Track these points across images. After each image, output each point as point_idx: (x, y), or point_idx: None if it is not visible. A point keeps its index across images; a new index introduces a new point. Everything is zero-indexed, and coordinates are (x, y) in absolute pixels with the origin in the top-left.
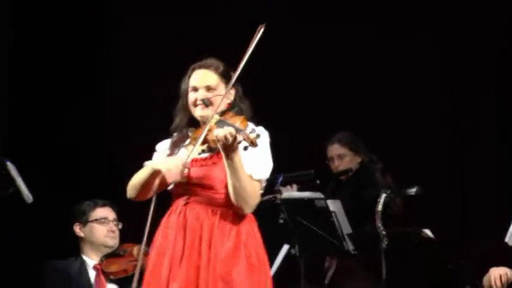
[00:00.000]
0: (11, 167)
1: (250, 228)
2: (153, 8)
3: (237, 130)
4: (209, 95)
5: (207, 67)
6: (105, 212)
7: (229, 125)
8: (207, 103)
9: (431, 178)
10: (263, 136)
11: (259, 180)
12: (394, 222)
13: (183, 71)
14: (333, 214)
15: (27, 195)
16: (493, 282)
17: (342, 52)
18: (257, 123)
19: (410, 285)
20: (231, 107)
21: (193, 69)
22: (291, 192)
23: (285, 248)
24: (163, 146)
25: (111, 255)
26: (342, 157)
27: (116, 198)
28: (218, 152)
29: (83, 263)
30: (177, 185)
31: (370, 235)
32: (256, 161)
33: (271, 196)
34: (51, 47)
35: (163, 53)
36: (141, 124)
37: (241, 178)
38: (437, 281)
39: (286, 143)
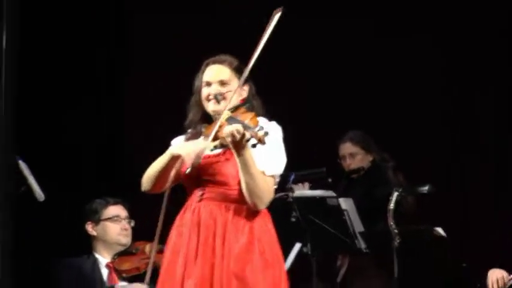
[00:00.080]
0: (23, 165)
1: (263, 224)
2: (153, 8)
3: (245, 127)
4: (223, 89)
5: (220, 62)
6: (117, 210)
7: (238, 122)
8: (218, 99)
9: (431, 178)
10: (276, 131)
11: (272, 176)
12: (406, 221)
13: (183, 70)
14: (345, 212)
15: (39, 193)
16: (490, 287)
17: (342, 52)
18: (270, 119)
19: (422, 283)
20: (244, 103)
21: (207, 65)
22: (303, 191)
23: (297, 246)
24: (177, 142)
25: (124, 253)
26: (353, 155)
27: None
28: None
29: (95, 261)
30: (191, 181)
31: (382, 233)
32: (268, 157)
33: (283, 194)
34: (51, 47)
35: (163, 53)
36: (141, 124)
37: (254, 175)
38: (450, 280)
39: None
